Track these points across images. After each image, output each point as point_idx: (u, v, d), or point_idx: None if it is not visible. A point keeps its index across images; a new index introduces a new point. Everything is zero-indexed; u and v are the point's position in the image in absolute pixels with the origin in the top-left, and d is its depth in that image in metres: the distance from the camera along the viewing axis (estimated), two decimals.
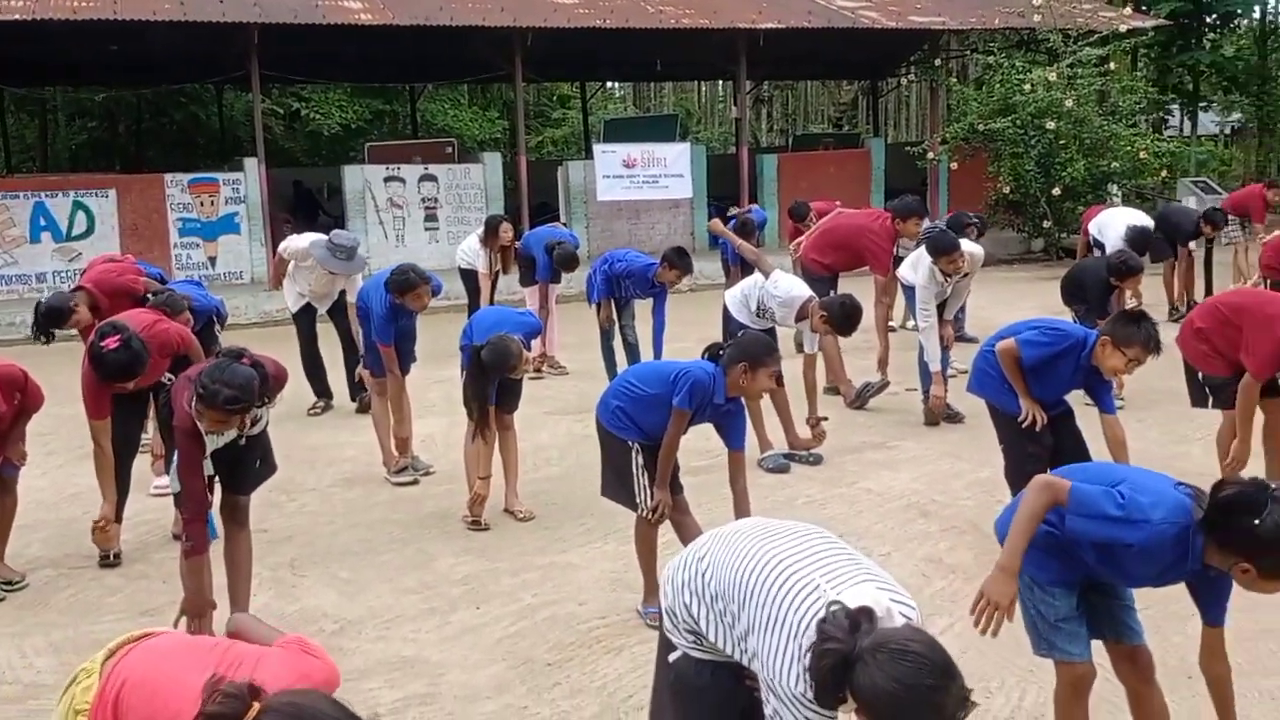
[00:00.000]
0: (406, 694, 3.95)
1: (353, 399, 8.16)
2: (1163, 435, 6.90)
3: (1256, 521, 2.47)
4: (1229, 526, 2.54)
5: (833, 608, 2.12)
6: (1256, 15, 23.26)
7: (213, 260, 14.75)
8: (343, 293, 7.95)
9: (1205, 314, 5.62)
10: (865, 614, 2.07)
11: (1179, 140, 20.76)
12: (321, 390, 8.33)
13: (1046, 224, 16.51)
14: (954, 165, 17.26)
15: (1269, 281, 8.42)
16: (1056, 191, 15.94)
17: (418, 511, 5.94)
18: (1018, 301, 12.03)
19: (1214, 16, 21.54)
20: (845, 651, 2.02)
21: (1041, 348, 4.75)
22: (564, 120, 30.65)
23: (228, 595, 4.34)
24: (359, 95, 25.23)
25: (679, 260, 7.87)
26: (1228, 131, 28.16)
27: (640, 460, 4.38)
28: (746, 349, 4.22)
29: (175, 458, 4.17)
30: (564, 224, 14.67)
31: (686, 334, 10.05)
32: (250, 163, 14.85)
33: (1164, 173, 17.63)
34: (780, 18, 16.22)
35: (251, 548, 4.48)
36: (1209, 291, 10.46)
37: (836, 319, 6.37)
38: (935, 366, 7.30)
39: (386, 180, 15.59)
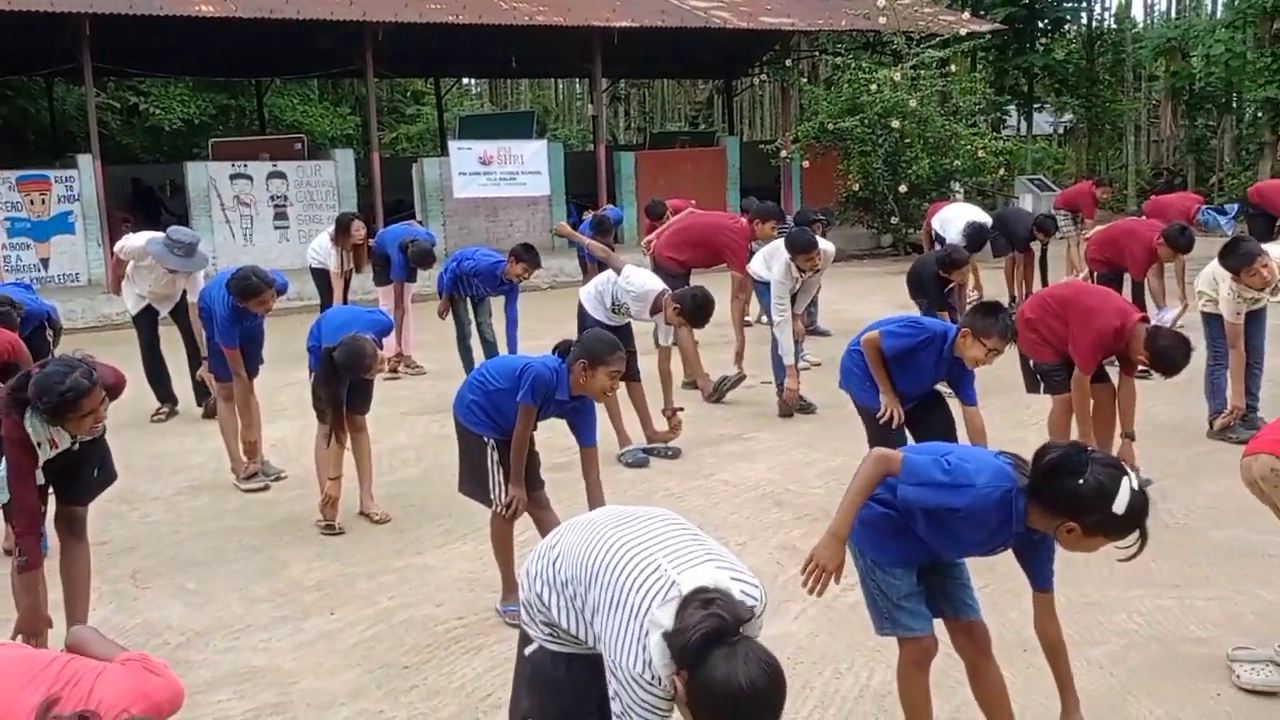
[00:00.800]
0: (257, 704, 3.84)
1: (199, 404, 7.88)
2: (1003, 421, 7.20)
3: (1080, 481, 2.60)
4: (1054, 488, 2.66)
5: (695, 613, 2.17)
6: (1084, 21, 24.55)
7: (45, 262, 14.00)
8: (185, 294, 7.65)
9: (1034, 305, 5.94)
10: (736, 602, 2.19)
11: (1016, 139, 21.71)
12: (165, 395, 8.01)
13: (894, 220, 17.08)
14: (806, 163, 17.71)
15: (1095, 274, 8.90)
16: (903, 189, 16.51)
17: (269, 518, 5.78)
18: (868, 295, 12.42)
19: (1045, 22, 22.62)
20: (731, 628, 2.08)
21: (902, 339, 4.95)
22: (419, 116, 30.15)
23: (64, 611, 4.13)
24: (202, 89, 24.29)
25: (525, 255, 7.87)
26: (1061, 131, 29.57)
27: (495, 456, 4.37)
28: (587, 347, 4.22)
29: (4, 468, 3.94)
30: (419, 222, 14.45)
31: (545, 331, 10.00)
32: (84, 159, 14.13)
33: (1002, 170, 18.45)
34: (634, 16, 16.33)
35: (90, 560, 4.27)
36: (1045, 284, 10.99)
37: (689, 310, 6.48)
38: (789, 360, 7.48)
39: (233, 178, 15.07)
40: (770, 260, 7.83)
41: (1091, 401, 5.72)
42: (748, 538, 5.30)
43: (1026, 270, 11.47)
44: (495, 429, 4.38)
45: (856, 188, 17.17)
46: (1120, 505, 2.58)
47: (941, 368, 4.94)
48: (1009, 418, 7.24)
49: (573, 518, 2.76)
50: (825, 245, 7.90)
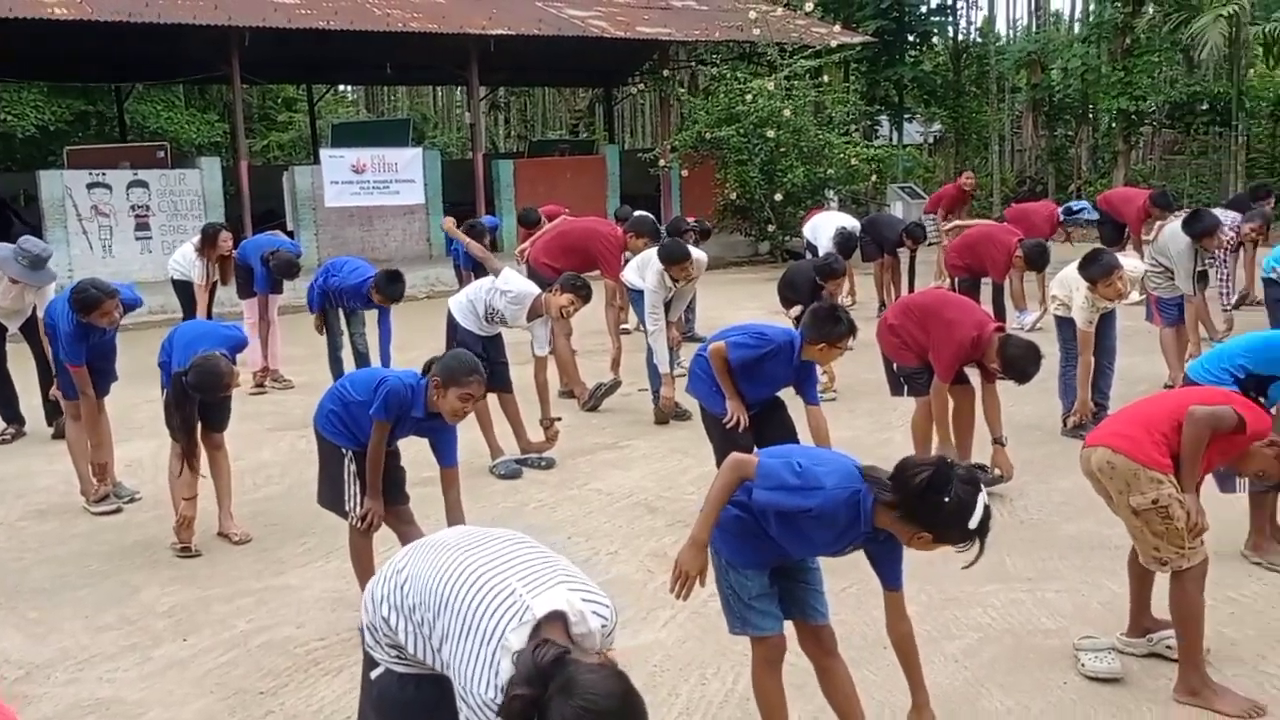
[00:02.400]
0: None
1: (49, 424, 7.51)
2: (870, 423, 7.37)
3: (946, 499, 2.71)
4: (923, 504, 2.74)
5: (538, 650, 2.07)
6: (950, 34, 25.34)
7: None
8: (35, 309, 7.28)
9: (897, 312, 6.11)
10: (562, 658, 2.04)
11: (887, 148, 22.25)
12: (11, 416, 7.62)
13: (771, 228, 17.34)
14: (685, 172, 17.86)
15: (955, 280, 9.18)
16: (779, 197, 16.76)
17: (121, 542, 5.53)
18: (745, 302, 12.56)
19: (914, 35, 23.29)
20: (535, 697, 2.01)
21: (748, 350, 5.02)
22: (291, 124, 29.45)
23: None
24: (58, 95, 23.27)
25: (386, 287, 7.66)
26: (930, 140, 30.46)
27: (353, 468, 4.31)
28: (445, 365, 4.15)
29: None
30: (289, 232, 14.10)
31: (421, 341, 9.84)
32: None
33: (874, 178, 18.90)
34: (510, 24, 16.26)
35: None
36: (911, 290, 11.29)
37: (575, 285, 6.48)
38: (664, 368, 7.51)
39: (90, 187, 14.44)
40: (644, 269, 7.86)
41: (951, 403, 5.89)
42: (619, 546, 5.29)
43: (894, 275, 11.76)
44: (353, 441, 4.30)
45: (734, 196, 17.37)
46: (975, 521, 2.73)
47: (790, 374, 5.04)
48: (877, 420, 7.40)
49: (419, 539, 2.70)
50: (697, 254, 7.95)
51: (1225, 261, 9.75)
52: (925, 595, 4.36)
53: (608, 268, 8.50)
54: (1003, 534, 5.08)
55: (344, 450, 4.31)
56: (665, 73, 19.19)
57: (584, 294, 6.61)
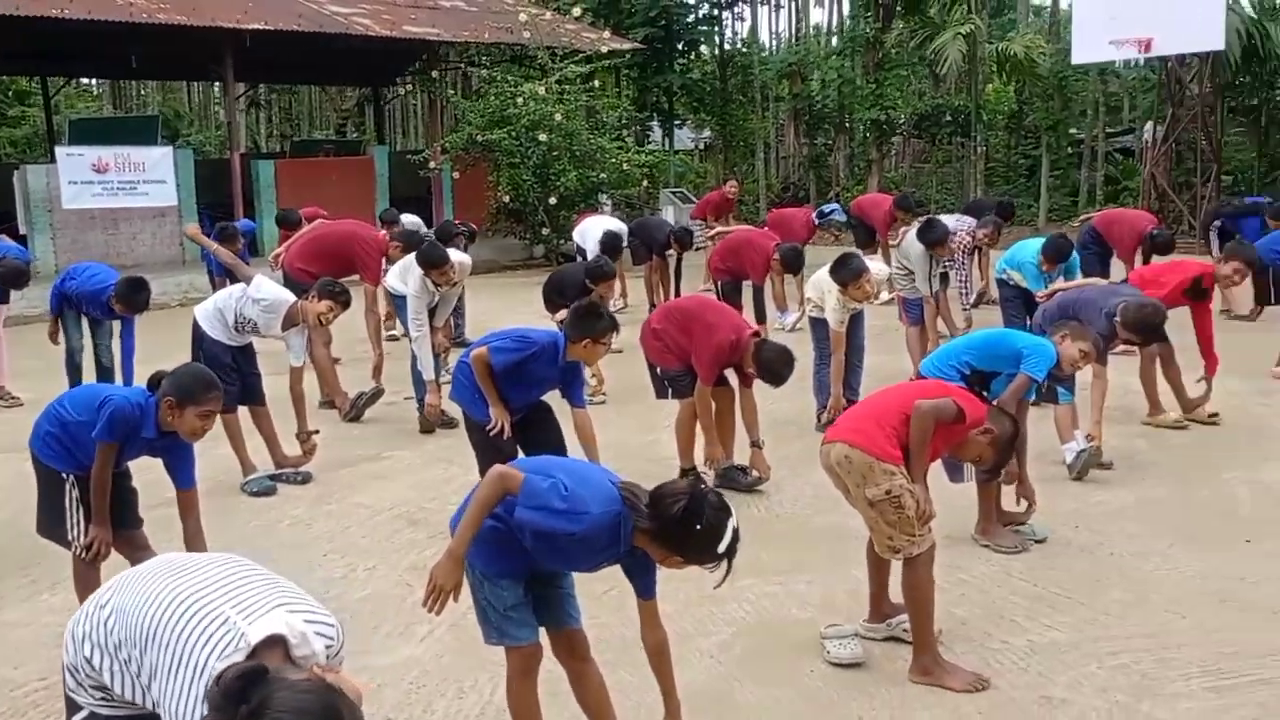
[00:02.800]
0: None
1: None
2: (638, 425, 7.46)
3: (699, 526, 2.79)
4: (678, 530, 2.82)
5: (225, 671, 1.94)
6: (717, 44, 26.12)
7: None
8: None
9: (661, 316, 6.21)
10: (254, 677, 1.89)
11: (659, 154, 22.71)
12: None
13: (546, 231, 17.36)
14: (456, 174, 17.63)
15: (719, 283, 9.43)
16: (553, 200, 16.80)
17: None
18: (519, 306, 12.49)
19: (682, 44, 23.88)
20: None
21: (510, 353, 4.97)
22: (24, 119, 27.18)
23: None
24: None
25: (129, 295, 7.19)
26: (701, 147, 31.34)
27: (75, 494, 4.01)
28: (177, 381, 3.89)
29: None
30: (20, 237, 13.00)
31: (172, 354, 9.25)
32: None
33: (645, 183, 19.23)
34: (267, 19, 15.59)
35: None
36: (678, 294, 11.54)
37: (335, 292, 6.33)
38: (429, 375, 7.35)
39: None
40: (406, 274, 7.68)
41: (714, 404, 6.04)
42: (378, 561, 5.13)
43: (663, 277, 12.00)
44: (74, 464, 3.99)
45: (507, 199, 17.30)
46: (723, 546, 2.82)
47: (556, 375, 5.03)
48: (644, 422, 7.49)
49: (127, 570, 2.50)
50: (460, 258, 7.85)
51: (963, 264, 10.45)
52: (683, 593, 4.42)
53: (367, 272, 8.27)
54: (760, 529, 5.25)
55: (64, 475, 3.99)
56: (435, 73, 18.89)
57: (343, 300, 6.43)
